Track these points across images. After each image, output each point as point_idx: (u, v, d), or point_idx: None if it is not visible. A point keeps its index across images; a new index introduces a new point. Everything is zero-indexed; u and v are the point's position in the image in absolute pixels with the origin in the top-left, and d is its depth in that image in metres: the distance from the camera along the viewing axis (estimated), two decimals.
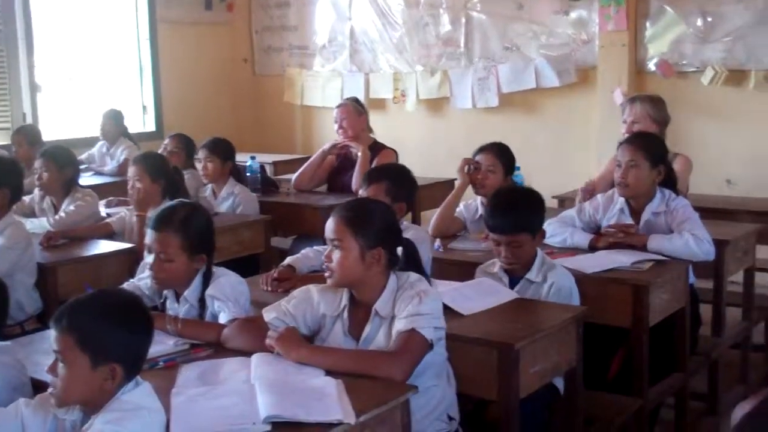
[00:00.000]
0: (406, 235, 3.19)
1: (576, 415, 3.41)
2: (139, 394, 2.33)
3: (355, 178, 5.82)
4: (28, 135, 7.13)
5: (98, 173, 7.56)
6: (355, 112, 6.21)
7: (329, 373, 2.66)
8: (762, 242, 5.02)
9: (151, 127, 9.26)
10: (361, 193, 4.07)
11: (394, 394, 2.56)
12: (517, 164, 4.80)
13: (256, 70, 10.05)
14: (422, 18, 8.63)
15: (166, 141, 6.47)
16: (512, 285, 3.68)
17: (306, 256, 3.95)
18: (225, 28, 9.87)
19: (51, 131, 7.95)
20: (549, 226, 3.92)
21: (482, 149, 4.72)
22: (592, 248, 4.19)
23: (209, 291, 3.23)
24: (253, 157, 6.44)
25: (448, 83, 8.46)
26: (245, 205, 5.71)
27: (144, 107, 9.28)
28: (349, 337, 2.94)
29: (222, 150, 5.80)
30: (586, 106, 7.70)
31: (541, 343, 3.14)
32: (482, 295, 3.47)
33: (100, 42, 8.97)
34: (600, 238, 4.23)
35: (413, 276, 2.96)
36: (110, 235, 5.06)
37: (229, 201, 5.73)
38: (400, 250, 2.98)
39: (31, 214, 5.41)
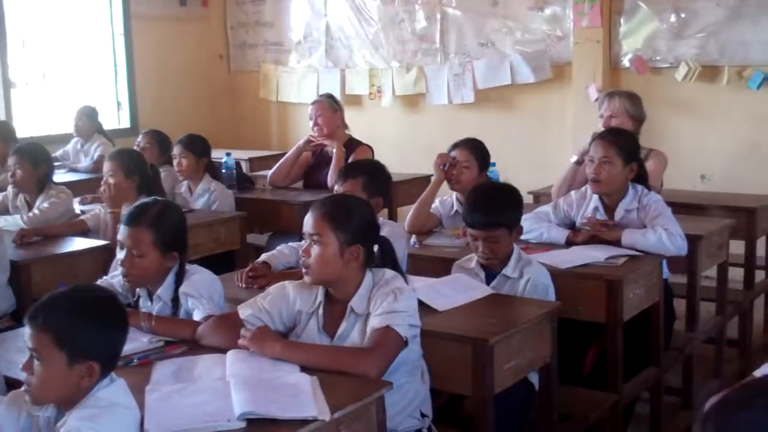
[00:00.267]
0: (383, 231, 3.19)
1: (551, 411, 3.43)
2: (114, 390, 2.32)
3: (331, 175, 5.81)
4: (1, 132, 7.05)
5: (72, 170, 7.51)
6: (330, 109, 6.19)
7: (304, 369, 2.66)
8: (735, 237, 5.06)
9: (125, 123, 9.22)
10: (337, 188, 4.07)
11: (369, 390, 2.56)
12: (493, 160, 4.82)
13: (232, 66, 10.03)
14: (398, 14, 8.64)
15: (140, 137, 6.45)
16: (488, 280, 3.69)
17: (281, 253, 3.95)
18: (200, 23, 9.84)
19: (25, 128, 7.91)
20: (524, 221, 3.93)
21: (457, 145, 4.74)
22: (569, 243, 4.21)
23: (183, 288, 3.21)
24: (228, 154, 6.43)
25: (424, 79, 8.47)
26: (221, 202, 5.69)
27: (119, 103, 9.24)
28: (323, 333, 2.94)
29: (197, 146, 5.79)
30: (561, 102, 7.73)
31: (516, 339, 3.15)
32: (457, 291, 3.48)
33: (74, 38, 8.92)
34: (578, 234, 4.25)
35: (389, 273, 2.96)
36: (85, 233, 5.03)
37: (204, 197, 5.71)
38: (376, 247, 2.99)
39: (5, 211, 5.38)
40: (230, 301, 3.34)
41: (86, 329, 2.29)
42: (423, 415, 3.04)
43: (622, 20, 7.39)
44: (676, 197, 5.01)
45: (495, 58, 8.03)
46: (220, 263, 4.42)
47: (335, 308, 2.96)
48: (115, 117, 9.15)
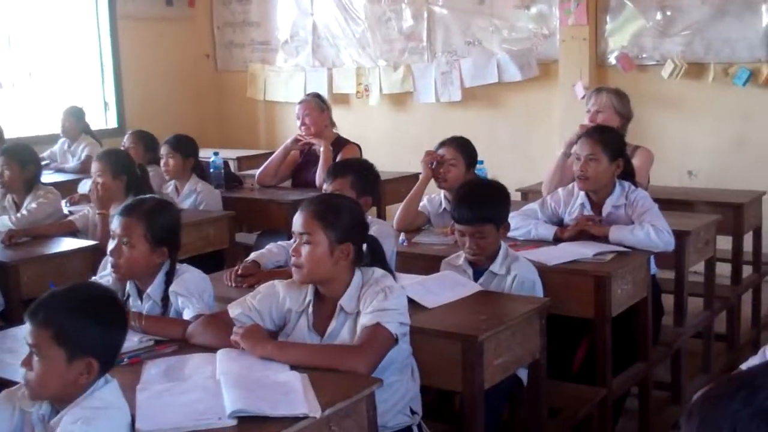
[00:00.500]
0: (371, 229, 3.20)
1: (540, 406, 3.44)
2: (109, 391, 2.32)
3: (319, 174, 5.81)
4: None
5: (60, 171, 7.50)
6: (317, 108, 6.19)
7: (294, 367, 2.66)
8: (722, 233, 5.08)
9: (113, 123, 9.21)
10: (326, 187, 4.08)
11: (360, 387, 2.57)
12: (481, 158, 4.83)
13: (219, 65, 10.02)
14: (384, 13, 8.65)
15: (125, 138, 6.45)
16: (476, 277, 3.71)
17: (270, 252, 3.95)
18: (186, 23, 9.82)
19: (11, 128, 7.86)
20: (512, 219, 3.94)
21: (444, 143, 4.75)
22: (557, 240, 4.23)
23: (173, 287, 3.22)
24: (216, 153, 6.42)
25: (411, 78, 8.48)
26: (208, 203, 5.68)
27: (105, 104, 9.22)
28: (313, 332, 2.95)
29: (184, 147, 5.77)
30: (548, 100, 7.75)
31: (505, 335, 3.16)
32: (446, 288, 3.49)
33: (61, 38, 8.90)
34: (565, 230, 4.26)
35: (378, 272, 2.97)
36: (73, 233, 5.03)
37: (191, 198, 5.70)
38: (365, 246, 3.00)
39: None
40: (219, 300, 3.35)
41: (86, 326, 2.30)
42: (413, 412, 3.05)
43: (608, 18, 7.41)
44: (663, 193, 5.03)
45: (482, 56, 8.05)
46: (208, 262, 4.42)
47: (325, 307, 2.97)
48: (102, 117, 9.14)
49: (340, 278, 2.94)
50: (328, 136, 6.13)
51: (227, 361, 2.72)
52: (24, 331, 2.32)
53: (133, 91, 9.23)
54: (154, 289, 3.24)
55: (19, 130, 8.18)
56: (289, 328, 3.00)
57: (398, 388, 2.97)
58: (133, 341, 2.95)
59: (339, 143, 6.14)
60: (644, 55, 7.28)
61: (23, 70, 8.62)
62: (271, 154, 6.49)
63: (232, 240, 5.57)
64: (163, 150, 5.78)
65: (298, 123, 6.19)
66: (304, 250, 2.90)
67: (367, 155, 5.42)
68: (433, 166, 4.66)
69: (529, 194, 5.59)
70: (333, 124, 6.29)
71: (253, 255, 3.96)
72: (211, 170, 6.17)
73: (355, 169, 4.15)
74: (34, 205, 5.16)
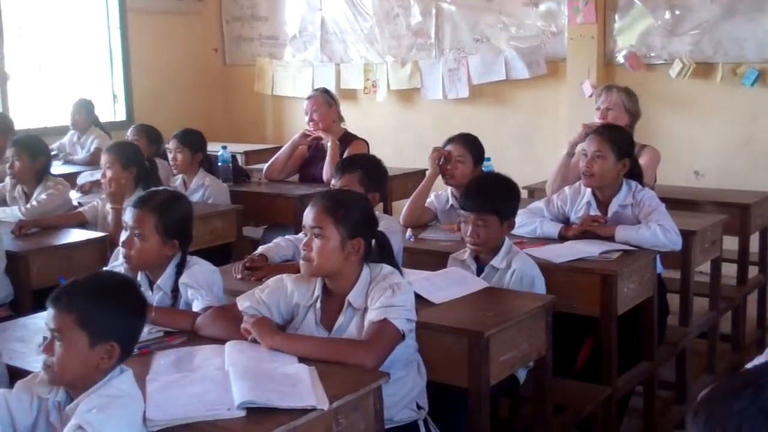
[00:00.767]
0: (379, 225, 3.22)
1: (545, 404, 3.45)
2: (124, 380, 2.35)
3: (326, 169, 5.83)
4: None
5: (69, 162, 7.52)
6: (325, 103, 6.20)
7: (302, 360, 2.68)
8: (729, 233, 5.09)
9: (121, 116, 9.24)
10: (334, 182, 4.09)
11: (367, 381, 2.58)
12: (488, 155, 4.83)
13: (227, 59, 10.05)
14: (393, 9, 8.66)
15: (129, 132, 6.47)
16: (479, 272, 3.73)
17: (278, 246, 3.97)
18: (195, 17, 9.85)
19: (21, 120, 7.89)
20: (518, 216, 3.96)
21: (451, 140, 4.76)
22: (562, 238, 4.24)
23: (183, 279, 3.24)
24: (224, 147, 6.42)
25: (419, 74, 8.49)
26: (215, 197, 5.69)
27: (114, 96, 9.25)
28: (321, 327, 2.97)
29: (192, 141, 5.77)
30: (556, 98, 7.76)
31: (511, 332, 3.17)
32: (453, 284, 3.50)
33: (70, 31, 8.93)
34: (570, 228, 4.27)
35: (386, 268, 2.99)
36: (82, 224, 5.05)
37: (199, 192, 5.70)
38: (374, 241, 3.02)
39: (3, 202, 5.40)
40: (227, 293, 3.37)
41: (108, 311, 2.34)
42: (419, 407, 3.07)
43: (616, 16, 7.42)
44: (670, 193, 5.03)
45: (490, 53, 8.06)
46: (216, 256, 4.44)
47: (333, 302, 2.98)
48: (111, 110, 9.17)
49: (348, 273, 2.95)
50: (336, 132, 6.15)
51: (236, 352, 2.74)
52: (46, 317, 2.35)
53: (142, 84, 9.26)
54: (164, 280, 3.27)
55: (29, 121, 8.23)
56: (296, 322, 3.01)
57: (405, 384, 2.99)
58: (143, 332, 2.97)
59: (347, 139, 6.16)
60: (652, 54, 7.28)
61: (33, 63, 8.65)
62: (279, 148, 6.51)
63: (239, 234, 5.59)
64: (172, 144, 5.79)
65: (306, 118, 6.20)
66: (316, 244, 2.91)
67: (374, 151, 5.44)
68: (441, 163, 4.68)
69: (535, 192, 5.60)
70: (341, 120, 6.30)
71: (260, 249, 3.97)
72: (220, 164, 6.18)
73: (364, 165, 4.16)
74: (43, 196, 5.19)
